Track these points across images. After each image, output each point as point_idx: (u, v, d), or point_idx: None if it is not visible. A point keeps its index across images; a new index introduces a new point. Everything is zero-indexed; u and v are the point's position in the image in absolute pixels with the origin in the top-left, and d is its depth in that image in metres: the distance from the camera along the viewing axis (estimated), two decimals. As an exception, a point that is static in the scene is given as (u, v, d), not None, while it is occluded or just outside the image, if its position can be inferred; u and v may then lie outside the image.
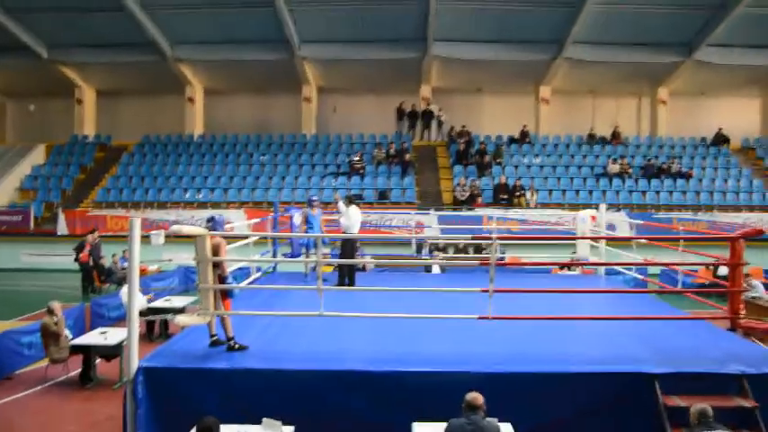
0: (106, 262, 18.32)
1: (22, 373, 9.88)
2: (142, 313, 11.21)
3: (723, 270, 14.83)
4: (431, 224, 19.62)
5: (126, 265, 7.27)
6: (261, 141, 26.74)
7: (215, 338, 7.38)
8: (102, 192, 23.85)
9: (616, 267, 13.71)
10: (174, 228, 7.37)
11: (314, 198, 13.11)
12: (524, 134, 26.26)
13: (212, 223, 7.81)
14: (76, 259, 17.88)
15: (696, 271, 16.41)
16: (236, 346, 7.27)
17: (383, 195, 22.66)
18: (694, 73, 25.78)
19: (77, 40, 24.98)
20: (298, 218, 13.46)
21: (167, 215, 21.72)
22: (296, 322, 8.14)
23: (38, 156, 26.64)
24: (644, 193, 23.07)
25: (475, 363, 6.78)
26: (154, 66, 25.81)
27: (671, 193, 23.01)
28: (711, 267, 16.06)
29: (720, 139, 26.32)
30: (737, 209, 22.25)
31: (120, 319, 12.11)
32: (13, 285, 19.59)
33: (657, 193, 23.04)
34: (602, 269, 13.70)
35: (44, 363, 9.86)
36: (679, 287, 12.05)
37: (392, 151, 24.91)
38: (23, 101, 29.54)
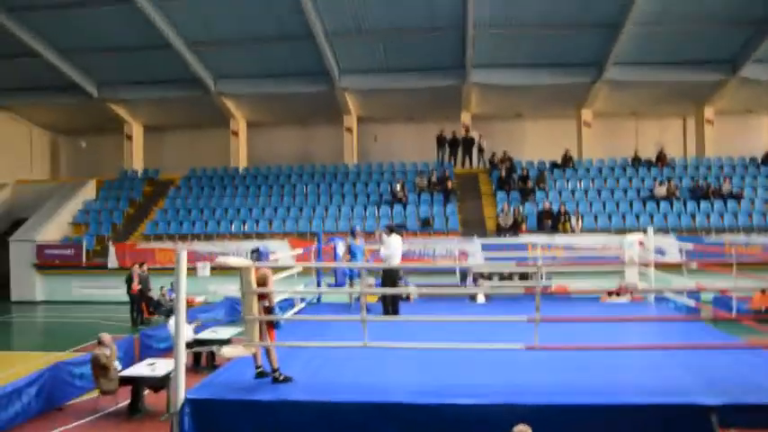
0: (155, 294, 18.67)
1: (73, 404, 10.07)
2: (189, 345, 11.38)
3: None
4: (474, 252, 19.46)
5: (173, 296, 7.39)
6: (303, 172, 27.07)
7: (260, 370, 7.42)
8: (150, 225, 24.40)
9: (667, 294, 13.35)
10: (220, 260, 7.50)
11: (357, 228, 13.19)
12: (567, 158, 25.97)
13: (257, 255, 7.91)
14: (128, 291, 18.28)
15: (751, 296, 15.88)
16: (282, 377, 7.29)
17: (426, 223, 22.62)
18: (740, 90, 25.20)
19: (125, 77, 25.88)
20: (341, 247, 13.55)
21: (213, 247, 22.07)
22: (340, 353, 8.13)
23: (89, 191, 27.47)
24: (693, 215, 22.50)
25: (521, 394, 6.66)
26: (198, 100, 26.49)
27: (722, 215, 22.37)
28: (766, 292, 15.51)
29: (771, 159, 25.59)
30: (792, 230, 21.48)
31: (168, 351, 12.29)
32: (66, 317, 20.11)
33: (707, 215, 22.43)
34: (651, 296, 13.37)
35: (94, 394, 10.03)
36: (734, 313, 11.65)
37: (434, 179, 24.91)
38: (75, 138, 30.68)
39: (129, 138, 29.34)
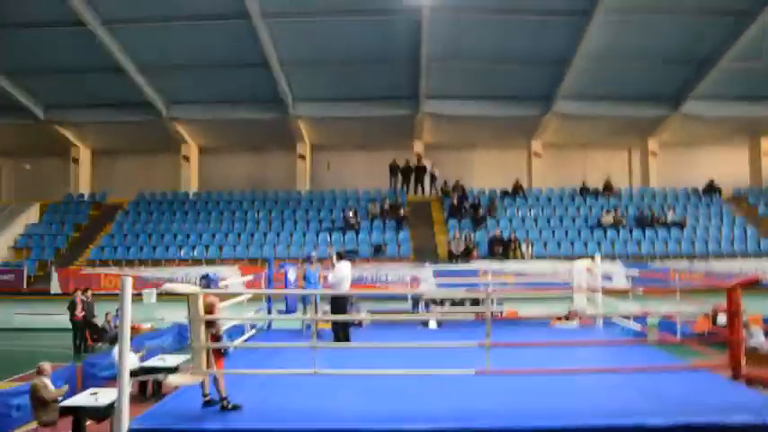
0: (99, 321, 18.08)
1: (9, 437, 9.60)
2: (134, 373, 11.01)
3: (722, 318, 14.73)
4: (426, 278, 19.52)
5: (118, 323, 7.18)
6: (256, 198, 26.83)
7: (208, 398, 7.23)
8: (96, 250, 23.77)
9: (614, 318, 13.60)
10: (167, 286, 7.33)
11: (312, 254, 13.12)
12: (517, 187, 26.46)
13: (206, 281, 7.79)
14: (71, 318, 17.68)
15: (694, 320, 16.30)
16: (230, 405, 7.12)
17: (378, 250, 22.64)
18: (682, 125, 26.23)
19: (74, 100, 25.36)
20: (292, 274, 13.40)
21: (162, 273, 21.59)
22: (290, 381, 7.99)
23: (32, 214, 26.67)
24: (639, 243, 23.13)
25: (473, 419, 6.65)
26: (149, 125, 26.13)
27: (666, 242, 23.07)
28: (710, 316, 15.95)
29: (712, 189, 26.56)
30: (733, 257, 22.25)
31: (113, 379, 11.86)
32: (5, 345, 19.25)
33: (652, 243, 23.10)
34: (600, 320, 13.60)
35: (32, 426, 9.59)
36: (678, 337, 11.94)
37: (386, 206, 25.00)
38: (19, 160, 29.78)
39: (76, 161, 28.69)
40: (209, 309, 7.26)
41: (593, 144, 28.80)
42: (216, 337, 7.36)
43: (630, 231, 23.76)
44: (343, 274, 11.56)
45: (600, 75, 23.59)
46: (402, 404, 7.31)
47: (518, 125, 26.40)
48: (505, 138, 27.97)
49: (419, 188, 27.27)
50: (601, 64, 23.03)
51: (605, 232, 23.62)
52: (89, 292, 18.55)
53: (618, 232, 23.62)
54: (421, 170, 27.08)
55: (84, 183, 28.79)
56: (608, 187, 26.70)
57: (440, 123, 26.22)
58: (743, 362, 7.71)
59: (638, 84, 24.35)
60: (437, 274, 18.14)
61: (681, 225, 23.86)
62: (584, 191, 26.67)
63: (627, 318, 13.28)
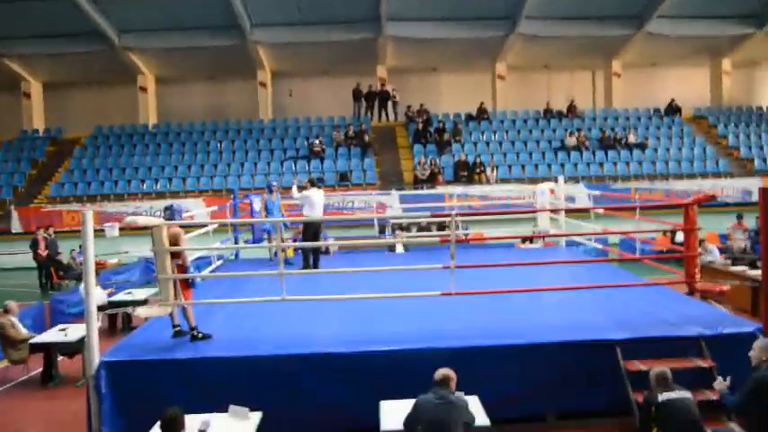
0: (64, 258, 17.91)
1: (-22, 376, 9.60)
2: (102, 307, 11.03)
3: (680, 236, 15.20)
4: (392, 204, 19.60)
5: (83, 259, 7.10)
6: (217, 128, 26.30)
7: (178, 329, 7.29)
8: (55, 186, 23.23)
9: (576, 239, 13.93)
10: (129, 219, 7.25)
11: (273, 183, 13.05)
12: (482, 111, 26.38)
13: (169, 212, 7.68)
14: (35, 257, 17.49)
15: (653, 238, 16.80)
16: (200, 335, 7.20)
17: (344, 177, 22.58)
18: (645, 45, 26.19)
19: (20, 31, 24.09)
20: (257, 204, 13.35)
21: (125, 207, 21.30)
22: (260, 308, 8.06)
23: (-14, 152, 25.79)
24: (601, 164, 23.42)
25: (439, 339, 6.84)
26: (102, 55, 25.14)
27: (627, 163, 23.40)
28: (669, 234, 16.45)
29: (673, 109, 26.84)
30: (692, 177, 22.74)
31: (82, 316, 11.88)
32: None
33: (614, 164, 23.42)
34: (563, 241, 13.92)
35: (2, 364, 9.61)
36: (637, 254, 12.30)
37: (351, 133, 24.78)
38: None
39: (28, 96, 27.63)
40: (174, 240, 7.21)
41: (556, 66, 28.67)
42: (183, 268, 7.35)
43: (593, 153, 24.02)
44: (315, 201, 11.56)
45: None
46: (371, 327, 7.47)
47: (482, 47, 26.05)
48: (469, 60, 27.63)
49: (383, 114, 27.01)
50: (564, -18, 22.74)
51: (569, 154, 23.83)
52: (51, 230, 18.32)
53: (581, 154, 23.85)
54: (384, 95, 26.75)
55: (37, 118, 27.79)
56: (571, 109, 26.78)
57: (402, 47, 25.75)
58: (698, 277, 8.00)
59: (602, 3, 24.11)
60: (403, 199, 18.25)
61: (642, 146, 24.18)
62: (548, 113, 26.70)
63: (589, 238, 13.63)
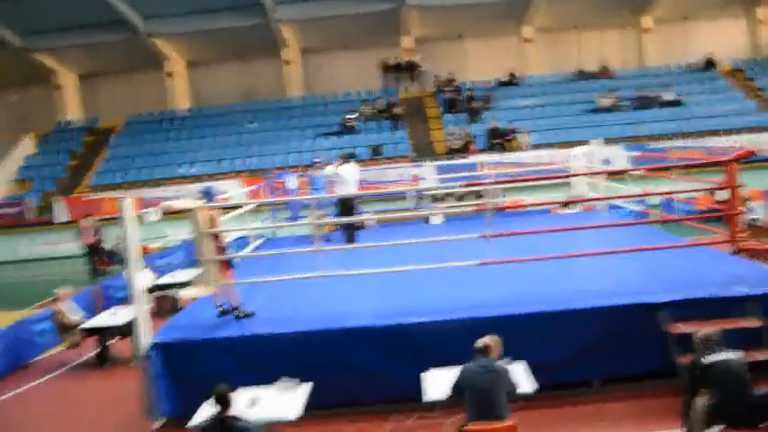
0: (109, 245, 18.33)
1: (37, 361, 9.97)
2: (149, 290, 11.29)
3: (722, 195, 14.86)
4: (426, 175, 19.57)
5: (126, 245, 7.27)
6: (249, 109, 26.45)
7: (222, 309, 7.45)
8: (95, 176, 23.73)
9: (615, 202, 13.71)
10: (165, 204, 7.40)
11: (317, 160, 13.16)
12: (512, 76, 25.99)
13: (205, 195, 7.80)
14: (81, 244, 17.93)
15: (695, 198, 16.43)
16: (243, 314, 7.35)
17: (376, 151, 22.54)
18: (676, -3, 25.41)
19: (49, 24, 24.47)
20: (292, 182, 13.45)
21: (164, 192, 21.59)
22: (300, 285, 8.17)
23: (28, 146, 26.37)
24: (636, 124, 22.91)
25: (479, 308, 6.85)
26: (129, 43, 25.40)
27: (664, 122, 22.85)
28: (710, 193, 16.06)
29: (709, 64, 26.04)
30: (731, 132, 22.09)
31: (128, 299, 12.19)
32: (17, 277, 19.67)
33: (650, 123, 22.88)
34: (603, 205, 13.71)
35: (59, 348, 9.95)
36: (679, 215, 12.08)
37: (380, 106, 24.68)
38: (4, 92, 29.12)
39: (59, 88, 28.08)
40: (211, 222, 7.34)
41: (586, 25, 27.96)
42: (222, 249, 7.47)
43: (628, 113, 23.51)
44: (350, 176, 11.58)
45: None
46: (410, 299, 7.52)
47: (508, 10, 25.55)
48: (496, 25, 27.10)
49: (412, 85, 26.80)
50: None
51: (603, 116, 23.38)
52: (94, 218, 18.74)
53: (616, 115, 23.38)
54: (412, 66, 26.51)
55: (71, 109, 28.27)
56: (604, 70, 26.20)
57: (426, 15, 25.41)
58: (743, 236, 7.80)
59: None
60: (437, 170, 18.14)
61: (678, 103, 23.57)
62: (580, 75, 26.18)
63: (628, 200, 13.40)
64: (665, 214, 13.34)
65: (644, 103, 23.73)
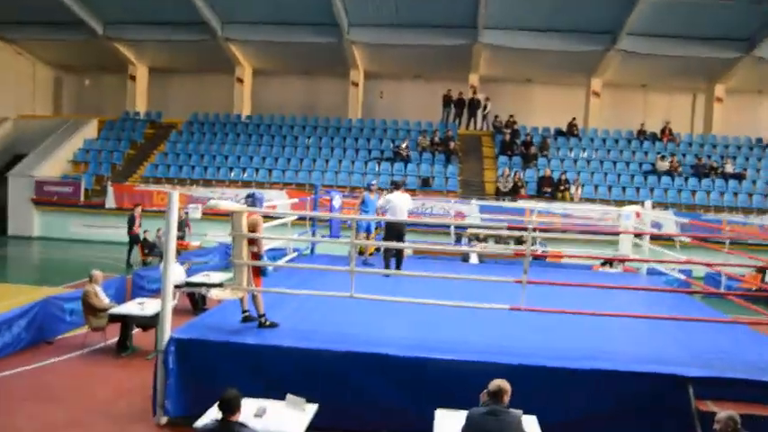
0: (149, 236, 18.72)
1: (62, 339, 10.16)
2: (179, 286, 11.45)
3: (771, 276, 14.36)
4: (471, 214, 19.45)
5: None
6: (307, 124, 26.85)
7: (247, 314, 7.49)
8: (150, 167, 24.35)
9: (659, 267, 13.37)
10: (212, 203, 7.49)
11: (372, 182, 13.23)
12: (572, 127, 25.76)
13: (251, 200, 7.85)
14: (129, 232, 18.34)
15: (743, 275, 15.91)
16: (267, 323, 7.36)
17: (425, 183, 22.56)
18: (753, 70, 24.84)
19: (132, 17, 25.47)
20: (338, 200, 13.53)
21: (211, 193, 22.00)
22: (329, 304, 8.15)
23: (91, 130, 27.27)
24: (693, 192, 22.40)
25: (502, 354, 6.71)
26: (204, 45, 26.13)
27: (722, 194, 22.28)
28: (759, 272, 15.54)
29: (777, 140, 25.38)
30: (793, 213, 21.39)
31: (159, 292, 12.36)
32: (62, 254, 20.23)
33: (708, 193, 22.34)
34: (644, 268, 13.38)
35: (84, 330, 10.13)
36: (722, 290, 11.69)
37: (437, 139, 24.75)
38: (79, 75, 30.36)
39: (133, 78, 29.04)
40: (253, 227, 7.40)
41: (655, 86, 27.64)
42: (257, 256, 7.52)
43: (686, 180, 23.01)
44: (395, 205, 11.51)
45: (669, 11, 22.32)
46: (435, 334, 7.43)
47: (578, 61, 25.42)
48: (565, 74, 27.00)
49: (471, 122, 26.84)
50: None
51: (659, 179, 22.93)
52: (139, 208, 19.19)
53: (672, 180, 22.90)
54: (475, 104, 26.56)
55: (140, 101, 29.19)
56: (666, 132, 25.75)
57: (497, 55, 25.47)
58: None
59: (710, 23, 22.93)
60: (482, 210, 18.02)
61: (740, 176, 22.96)
62: (642, 134, 25.78)
63: (672, 268, 13.05)
64: (707, 287, 12.92)
65: (704, 171, 23.19)
